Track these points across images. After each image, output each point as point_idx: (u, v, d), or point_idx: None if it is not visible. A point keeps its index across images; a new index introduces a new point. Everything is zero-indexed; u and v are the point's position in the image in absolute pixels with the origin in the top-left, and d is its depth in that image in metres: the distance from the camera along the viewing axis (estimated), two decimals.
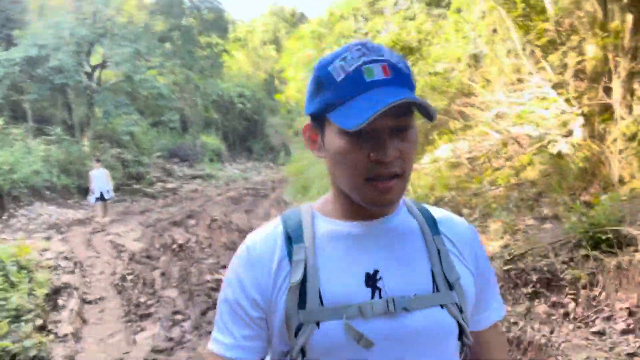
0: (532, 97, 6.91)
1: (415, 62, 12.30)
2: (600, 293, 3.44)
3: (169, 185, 17.03)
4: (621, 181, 4.52)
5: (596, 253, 3.63)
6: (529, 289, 3.89)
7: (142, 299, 5.46)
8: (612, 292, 3.39)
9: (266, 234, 0.90)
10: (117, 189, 13.32)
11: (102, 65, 17.42)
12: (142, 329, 4.64)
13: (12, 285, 4.62)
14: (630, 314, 3.16)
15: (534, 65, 7.20)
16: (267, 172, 21.80)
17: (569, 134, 6.06)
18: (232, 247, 7.22)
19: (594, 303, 3.41)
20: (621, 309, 3.22)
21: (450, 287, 0.86)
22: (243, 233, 7.96)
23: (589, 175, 5.09)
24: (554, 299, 3.65)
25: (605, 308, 3.31)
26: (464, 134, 8.88)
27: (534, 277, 3.93)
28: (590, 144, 5.07)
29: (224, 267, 6.22)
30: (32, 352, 3.61)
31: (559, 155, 5.91)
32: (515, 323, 3.42)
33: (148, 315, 5.00)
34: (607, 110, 5.03)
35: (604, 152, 4.71)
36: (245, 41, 34.74)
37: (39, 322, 4.26)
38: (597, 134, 5.06)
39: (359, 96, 0.77)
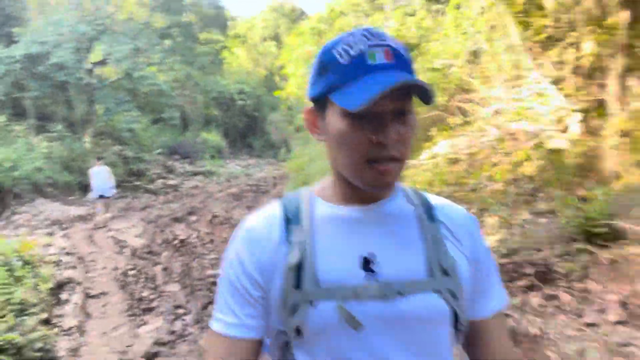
0: (531, 93, 6.95)
1: (415, 58, 12.31)
2: (593, 286, 3.51)
3: (170, 182, 17.09)
4: (616, 176, 4.58)
5: (590, 246, 3.69)
6: (524, 282, 3.96)
7: (144, 294, 5.54)
8: (605, 284, 3.46)
9: (265, 216, 0.92)
10: (118, 185, 13.38)
11: (103, 62, 17.46)
12: (145, 323, 4.73)
13: (17, 280, 4.70)
14: (623, 305, 3.23)
15: (533, 61, 7.24)
16: (268, 168, 21.85)
17: (566, 129, 6.11)
18: None
19: (587, 295, 3.48)
20: (613, 301, 3.29)
21: (445, 273, 0.86)
22: None
23: (585, 170, 5.15)
24: (548, 291, 3.71)
25: (598, 300, 3.38)
26: (463, 130, 8.93)
27: (529, 271, 3.99)
28: (586, 139, 5.13)
29: None
30: (38, 345, 3.70)
31: (556, 150, 5.97)
32: (510, 315, 3.49)
33: (150, 310, 5.08)
34: (602, 106, 5.09)
35: (599, 148, 4.77)
36: (245, 37, 34.70)
37: (44, 315, 4.34)
38: (593, 130, 5.12)
39: (362, 78, 0.79)
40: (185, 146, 21.31)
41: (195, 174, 19.15)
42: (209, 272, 6.09)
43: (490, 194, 6.29)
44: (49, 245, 7.12)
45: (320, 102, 0.87)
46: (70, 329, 4.45)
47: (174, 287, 5.70)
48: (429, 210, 0.93)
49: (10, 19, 17.33)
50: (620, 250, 3.49)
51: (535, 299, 3.75)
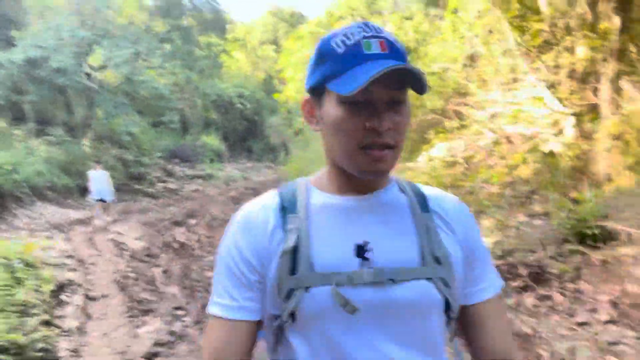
0: (527, 97, 7.05)
1: (413, 62, 12.41)
2: (585, 286, 3.58)
3: (170, 186, 17.16)
4: (609, 178, 4.65)
5: (582, 248, 3.77)
6: (519, 283, 4.03)
7: (144, 296, 5.59)
8: (597, 284, 3.53)
9: (262, 204, 0.94)
10: (118, 189, 13.43)
11: (103, 66, 17.56)
12: (145, 324, 4.77)
13: (19, 281, 4.76)
14: (613, 305, 3.30)
15: (529, 65, 7.33)
16: (267, 171, 21.94)
17: (561, 132, 6.20)
18: None
19: (579, 296, 3.55)
20: (604, 301, 3.36)
21: (438, 262, 0.88)
22: None
23: (579, 173, 5.23)
24: (541, 292, 3.79)
25: (590, 300, 3.45)
26: (460, 133, 9.02)
27: (523, 272, 4.07)
28: (580, 142, 5.21)
29: None
30: (39, 345, 3.75)
31: (551, 153, 6.05)
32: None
33: (150, 311, 5.13)
34: (595, 110, 5.17)
35: (592, 151, 4.85)
36: (244, 41, 34.84)
37: (45, 316, 4.39)
38: (587, 133, 5.20)
39: (357, 66, 0.81)
40: (185, 150, 21.39)
41: (195, 177, 19.22)
42: (208, 274, 6.15)
43: (486, 197, 6.37)
44: (50, 248, 7.17)
45: (318, 91, 0.89)
46: (70, 329, 4.50)
47: (173, 289, 5.76)
48: (422, 201, 0.95)
49: (10, 22, 17.42)
50: (611, 251, 3.57)
51: (529, 299, 3.82)
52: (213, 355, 0.89)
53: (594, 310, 3.34)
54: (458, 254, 0.92)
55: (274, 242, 0.88)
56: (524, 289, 3.95)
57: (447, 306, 0.88)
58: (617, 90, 4.95)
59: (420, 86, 0.83)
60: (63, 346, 4.09)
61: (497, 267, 4.06)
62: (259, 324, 0.91)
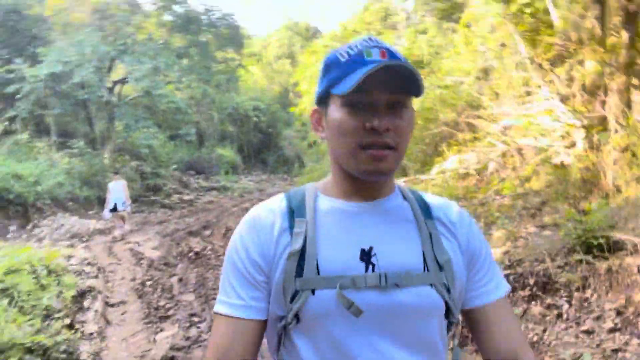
0: (540, 110, 7.11)
1: (426, 75, 12.56)
2: (591, 295, 3.63)
3: (186, 197, 17.42)
4: (618, 190, 4.70)
5: (589, 258, 3.83)
6: (526, 292, 4.09)
7: (161, 303, 5.76)
8: (603, 294, 3.58)
9: (270, 207, 0.97)
10: (135, 200, 13.70)
11: (123, 81, 18.03)
12: (162, 330, 4.93)
13: (43, 287, 4.97)
14: (618, 313, 3.36)
15: (542, 79, 7.41)
16: (282, 183, 22.13)
17: (572, 145, 6.26)
18: None
19: (586, 304, 3.60)
20: (610, 309, 3.42)
21: (440, 268, 0.90)
22: None
23: (589, 185, 5.28)
24: (548, 301, 3.85)
25: (596, 309, 3.50)
26: (472, 146, 9.09)
27: (531, 281, 4.13)
28: (590, 154, 5.27)
29: None
30: (62, 347, 3.92)
31: (562, 165, 6.11)
32: None
33: (167, 317, 5.29)
34: (605, 123, 5.24)
35: (602, 163, 4.91)
36: (260, 56, 35.40)
37: (67, 321, 4.58)
38: (596, 145, 5.26)
39: (357, 70, 0.86)
40: (201, 162, 21.72)
41: (210, 189, 19.47)
42: None
43: (498, 208, 6.43)
44: (71, 256, 7.40)
45: (324, 99, 0.94)
46: (91, 334, 4.68)
47: (189, 297, 5.92)
48: (425, 208, 0.97)
49: (35, 39, 18.04)
50: (617, 261, 3.62)
51: (536, 308, 3.88)
52: (218, 353, 0.90)
53: (599, 319, 3.40)
54: (460, 260, 0.95)
55: (280, 244, 0.91)
56: (532, 298, 4.01)
57: (448, 311, 0.91)
58: (627, 102, 5.02)
59: (416, 87, 0.87)
60: (85, 349, 4.27)
61: (506, 276, 4.16)
62: (264, 323, 0.93)
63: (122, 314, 5.46)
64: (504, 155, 7.21)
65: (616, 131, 4.87)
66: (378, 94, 0.86)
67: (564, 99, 6.64)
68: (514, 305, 4.06)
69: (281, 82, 32.55)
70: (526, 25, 8.90)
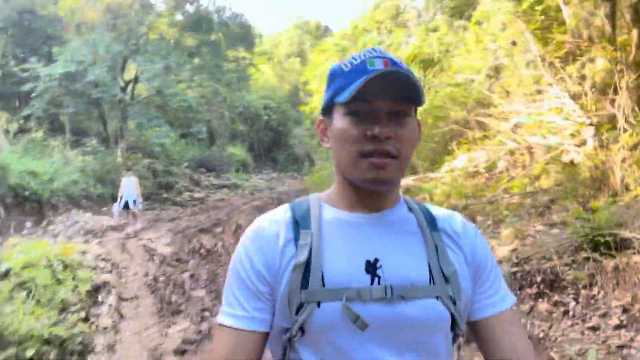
0: (550, 108, 7.10)
1: (436, 73, 12.56)
2: (598, 292, 3.66)
3: (197, 195, 17.58)
4: (627, 188, 4.71)
5: (596, 255, 3.85)
6: (534, 290, 4.13)
7: (173, 298, 5.87)
8: (610, 291, 3.61)
9: (275, 218, 0.96)
10: (147, 197, 13.88)
11: (135, 80, 18.25)
12: (174, 324, 5.04)
13: (59, 281, 5.10)
14: (624, 310, 3.38)
15: (553, 77, 7.38)
16: (292, 182, 22.23)
17: (583, 143, 6.25)
18: None
19: (592, 301, 3.63)
20: (616, 306, 3.44)
21: (446, 280, 0.90)
22: None
23: (598, 183, 5.28)
24: (555, 298, 3.88)
25: (602, 306, 3.53)
26: (482, 144, 9.09)
27: (539, 279, 4.16)
28: (599, 153, 5.28)
29: None
30: (78, 339, 4.04)
31: (572, 164, 6.11)
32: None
33: (179, 312, 5.40)
34: (614, 121, 5.24)
35: (611, 161, 4.92)
36: (271, 54, 35.52)
37: (82, 314, 4.71)
38: (606, 144, 5.26)
39: (359, 79, 0.86)
40: (212, 160, 21.88)
41: (221, 187, 19.62)
42: None
43: (506, 206, 6.44)
44: (86, 252, 7.55)
45: (329, 109, 0.95)
46: (105, 327, 4.80)
47: (200, 293, 6.02)
48: (431, 220, 0.97)
49: (50, 39, 18.33)
50: (624, 259, 3.64)
51: (543, 305, 3.92)
52: None
53: (605, 315, 3.43)
54: (465, 272, 0.94)
55: (285, 255, 0.90)
56: (539, 295, 4.05)
57: (454, 323, 0.91)
58: (637, 101, 5.01)
59: (417, 96, 0.88)
60: (99, 342, 4.39)
61: (513, 274, 4.19)
62: (267, 335, 0.92)
63: (136, 308, 5.58)
64: (513, 153, 7.20)
65: (625, 130, 4.87)
66: (380, 102, 0.87)
67: (575, 97, 6.62)
68: (521, 303, 4.10)
69: (291, 81, 32.64)
70: (537, 23, 8.86)
